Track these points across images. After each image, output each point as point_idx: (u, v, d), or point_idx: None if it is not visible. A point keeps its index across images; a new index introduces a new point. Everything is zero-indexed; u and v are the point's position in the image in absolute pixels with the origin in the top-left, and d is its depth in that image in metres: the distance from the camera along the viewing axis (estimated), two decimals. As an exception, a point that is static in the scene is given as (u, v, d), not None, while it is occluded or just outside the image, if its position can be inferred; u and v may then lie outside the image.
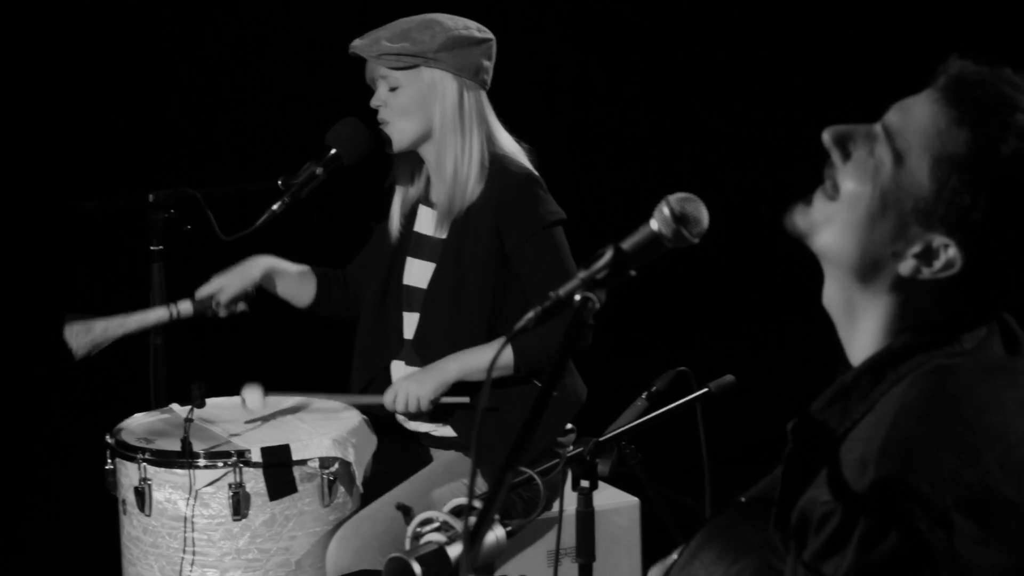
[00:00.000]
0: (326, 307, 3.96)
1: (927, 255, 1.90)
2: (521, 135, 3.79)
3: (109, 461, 3.55)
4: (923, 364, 1.91)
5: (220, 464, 3.40)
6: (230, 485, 3.38)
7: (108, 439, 3.57)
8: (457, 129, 3.65)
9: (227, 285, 3.80)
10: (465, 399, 3.66)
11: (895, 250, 1.92)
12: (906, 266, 1.92)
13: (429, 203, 3.82)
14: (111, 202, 3.97)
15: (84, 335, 3.64)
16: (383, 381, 3.81)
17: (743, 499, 2.17)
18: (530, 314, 2.14)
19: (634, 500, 4.01)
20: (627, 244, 2.16)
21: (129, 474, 3.48)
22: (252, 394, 3.70)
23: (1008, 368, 1.97)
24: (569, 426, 3.84)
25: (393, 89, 3.68)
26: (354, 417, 3.67)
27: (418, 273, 3.79)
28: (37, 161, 4.93)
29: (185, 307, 3.76)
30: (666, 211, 2.15)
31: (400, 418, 3.83)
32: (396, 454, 3.79)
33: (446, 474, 3.68)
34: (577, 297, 2.13)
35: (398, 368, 3.81)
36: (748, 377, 3.18)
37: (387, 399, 3.68)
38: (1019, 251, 1.90)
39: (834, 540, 1.80)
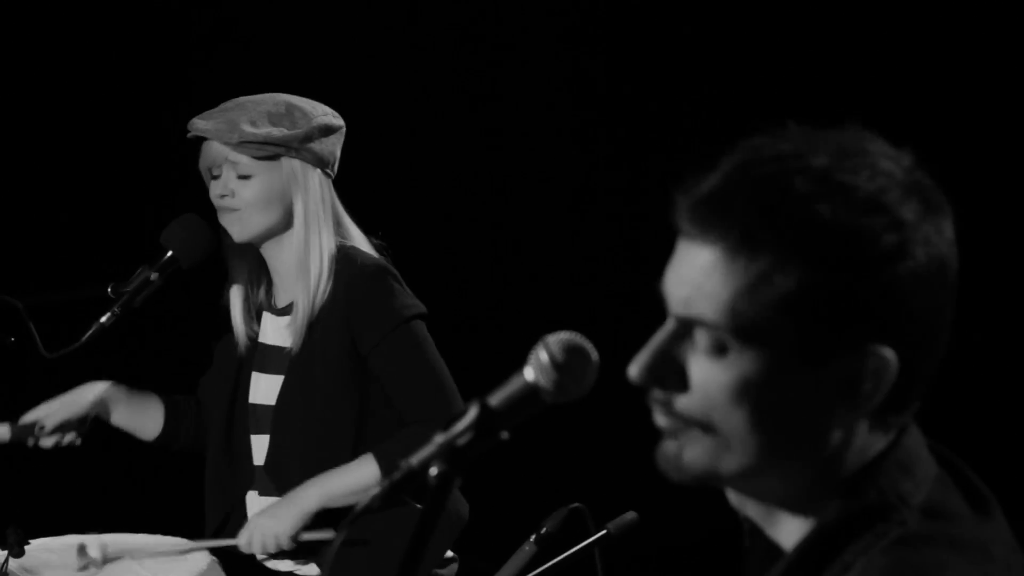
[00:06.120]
0: (176, 440, 3.68)
1: (853, 380, 1.52)
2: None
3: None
4: (873, 543, 1.53)
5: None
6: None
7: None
8: (318, 226, 3.43)
9: (52, 413, 3.50)
10: (329, 534, 3.37)
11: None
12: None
13: (273, 309, 3.57)
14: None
15: None
16: (240, 515, 3.54)
17: None
18: (376, 490, 1.78)
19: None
20: (496, 399, 1.73)
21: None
22: None
23: (978, 536, 1.59)
24: (450, 554, 3.57)
25: (244, 177, 3.42)
26: (202, 560, 3.37)
27: (265, 389, 3.54)
28: None
29: (2, 431, 3.46)
30: (544, 357, 1.72)
31: (260, 556, 3.51)
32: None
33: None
34: (433, 471, 1.70)
35: (253, 499, 3.55)
36: (652, 513, 2.91)
37: (241, 541, 3.40)
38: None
39: None
